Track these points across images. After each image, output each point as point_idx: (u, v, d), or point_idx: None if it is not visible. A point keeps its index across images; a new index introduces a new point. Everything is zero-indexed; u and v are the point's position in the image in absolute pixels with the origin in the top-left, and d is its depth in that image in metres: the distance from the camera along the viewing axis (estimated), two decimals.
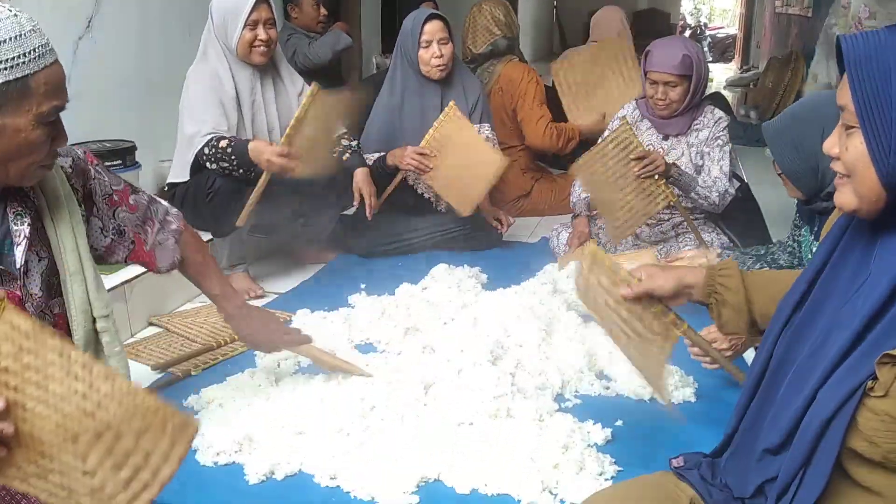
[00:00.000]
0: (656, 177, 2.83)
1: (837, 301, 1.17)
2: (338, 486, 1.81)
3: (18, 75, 1.25)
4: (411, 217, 3.48)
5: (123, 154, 3.11)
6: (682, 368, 2.25)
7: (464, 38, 4.21)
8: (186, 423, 1.17)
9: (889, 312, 1.07)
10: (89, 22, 3.22)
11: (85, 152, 1.60)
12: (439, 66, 3.34)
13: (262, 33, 2.90)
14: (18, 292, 1.40)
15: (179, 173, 2.91)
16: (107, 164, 3.04)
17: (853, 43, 1.08)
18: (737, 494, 1.25)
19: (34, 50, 1.27)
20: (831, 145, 1.15)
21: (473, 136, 3.25)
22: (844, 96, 1.09)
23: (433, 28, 3.32)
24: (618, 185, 2.90)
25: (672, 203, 2.88)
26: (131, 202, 1.68)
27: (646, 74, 2.99)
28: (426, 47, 3.33)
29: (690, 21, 18.71)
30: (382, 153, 3.36)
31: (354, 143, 3.23)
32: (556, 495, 1.76)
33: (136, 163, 3.17)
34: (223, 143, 2.75)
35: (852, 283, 1.16)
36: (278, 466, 1.85)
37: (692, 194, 2.92)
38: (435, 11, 3.42)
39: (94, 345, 1.53)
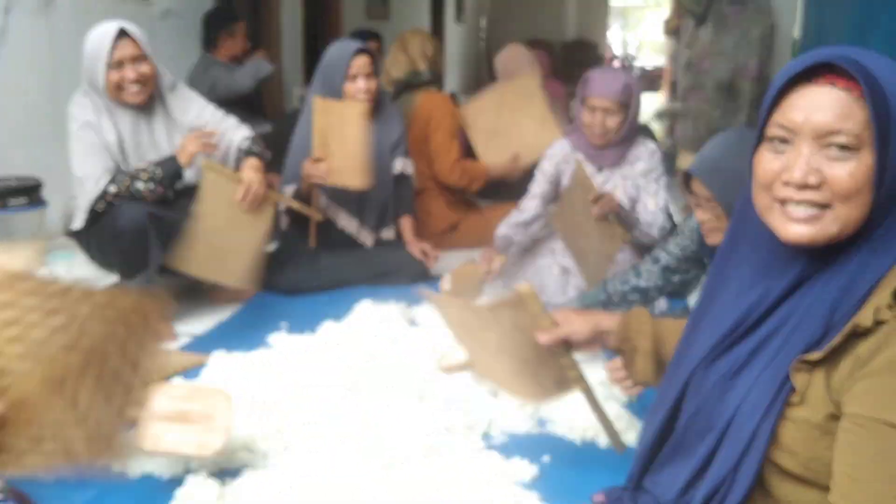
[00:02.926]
0: (610, 217, 2.77)
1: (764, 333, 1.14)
2: None
3: None
4: (335, 252, 3.39)
5: (28, 192, 2.97)
6: (630, 411, 2.19)
7: (386, 66, 4.17)
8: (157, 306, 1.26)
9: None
10: None
11: None
12: (366, 101, 3.26)
13: (129, 72, 2.71)
14: None
15: (78, 219, 2.76)
16: (11, 202, 2.93)
17: (869, 63, 1.01)
18: None
19: None
20: (806, 173, 1.05)
21: (341, 108, 3.17)
22: (846, 119, 1.01)
23: (361, 62, 3.26)
24: (584, 230, 2.85)
25: (626, 241, 2.84)
26: None
27: (583, 101, 2.94)
28: (353, 81, 3.26)
29: (618, 52, 19.17)
30: (298, 185, 3.29)
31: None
32: None
33: (42, 201, 3.03)
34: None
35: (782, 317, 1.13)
36: None
37: (635, 231, 2.87)
38: (362, 46, 3.33)
39: None
